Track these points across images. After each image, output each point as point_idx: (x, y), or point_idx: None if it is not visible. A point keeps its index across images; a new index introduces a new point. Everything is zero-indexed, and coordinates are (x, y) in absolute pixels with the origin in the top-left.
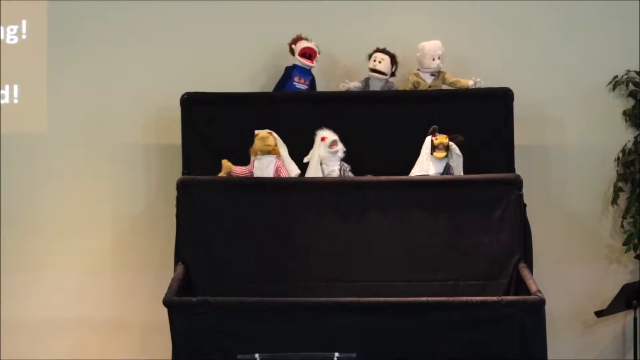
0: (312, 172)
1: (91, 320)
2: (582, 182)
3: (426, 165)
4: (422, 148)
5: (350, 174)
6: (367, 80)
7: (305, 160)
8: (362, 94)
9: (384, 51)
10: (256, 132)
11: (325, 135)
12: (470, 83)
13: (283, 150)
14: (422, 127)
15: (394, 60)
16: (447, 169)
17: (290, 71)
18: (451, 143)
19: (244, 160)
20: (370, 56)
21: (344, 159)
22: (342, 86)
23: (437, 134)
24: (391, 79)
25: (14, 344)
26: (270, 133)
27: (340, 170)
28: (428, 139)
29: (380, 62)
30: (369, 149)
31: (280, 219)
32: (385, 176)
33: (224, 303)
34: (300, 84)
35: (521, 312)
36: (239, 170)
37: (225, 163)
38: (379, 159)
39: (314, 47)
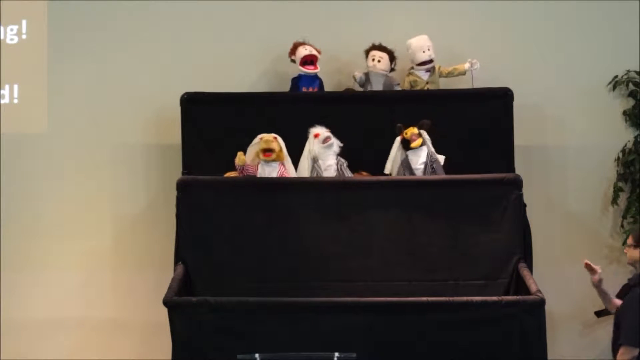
0: (303, 166)
1: (91, 320)
2: (582, 182)
3: (402, 161)
4: (392, 149)
5: (347, 169)
6: (367, 77)
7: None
8: (362, 94)
9: (380, 48)
10: (260, 136)
11: (318, 132)
12: (466, 66)
13: (287, 158)
14: None
15: (392, 56)
16: (430, 156)
17: (297, 82)
18: (421, 131)
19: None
20: (367, 53)
21: (340, 154)
22: (355, 75)
23: (403, 130)
24: (391, 74)
25: (14, 344)
26: (275, 138)
27: (337, 165)
28: (397, 139)
29: (379, 60)
30: (369, 149)
31: (280, 219)
32: (385, 176)
33: (224, 303)
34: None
35: (521, 312)
36: (250, 168)
37: (241, 156)
38: (379, 159)
39: (313, 52)
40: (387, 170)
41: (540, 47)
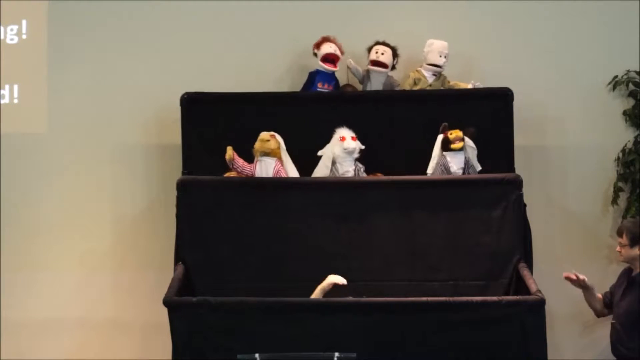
0: (321, 167)
1: (91, 320)
2: (582, 182)
3: (441, 161)
4: (434, 147)
5: (364, 175)
6: (367, 74)
7: (320, 153)
8: (362, 94)
9: (384, 44)
10: (261, 134)
11: (345, 136)
12: (469, 86)
13: (284, 153)
14: (423, 127)
15: (395, 53)
16: (467, 162)
17: (314, 76)
18: (465, 137)
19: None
20: (370, 49)
21: (357, 159)
22: (349, 62)
23: (449, 130)
24: (391, 73)
25: (14, 344)
26: (272, 135)
27: (355, 171)
28: (440, 137)
29: (382, 53)
30: (370, 149)
31: (281, 219)
32: (386, 176)
33: (224, 303)
34: (323, 90)
35: (521, 312)
36: (241, 163)
37: (229, 150)
38: (380, 159)
39: (337, 52)
40: (429, 170)
41: (540, 47)
